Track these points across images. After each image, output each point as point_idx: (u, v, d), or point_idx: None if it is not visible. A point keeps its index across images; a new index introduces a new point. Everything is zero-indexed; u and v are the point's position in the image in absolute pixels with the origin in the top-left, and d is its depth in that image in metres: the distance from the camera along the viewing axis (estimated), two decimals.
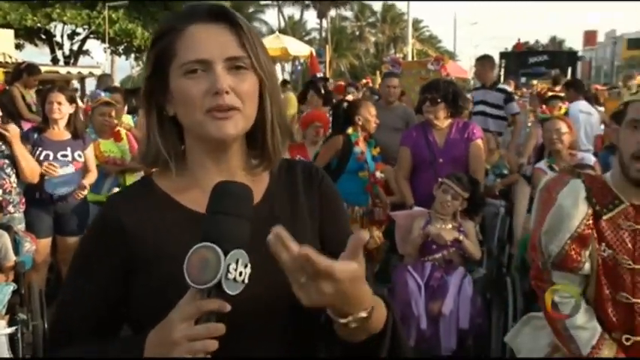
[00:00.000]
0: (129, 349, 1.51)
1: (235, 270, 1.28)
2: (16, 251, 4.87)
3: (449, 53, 59.46)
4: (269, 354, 1.54)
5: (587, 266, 2.32)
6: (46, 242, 5.68)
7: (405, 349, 1.53)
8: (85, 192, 5.84)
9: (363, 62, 53.79)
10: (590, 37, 77.62)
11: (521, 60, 28.99)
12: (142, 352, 1.46)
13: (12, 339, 4.46)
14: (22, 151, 5.25)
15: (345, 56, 54.21)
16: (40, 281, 5.47)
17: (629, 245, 2.21)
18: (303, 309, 1.32)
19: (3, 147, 5.21)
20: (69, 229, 5.77)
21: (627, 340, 2.24)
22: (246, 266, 1.30)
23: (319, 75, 15.57)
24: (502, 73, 24.06)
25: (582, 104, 8.50)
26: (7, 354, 4.36)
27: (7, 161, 5.20)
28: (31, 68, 9.33)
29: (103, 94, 7.42)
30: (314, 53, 20.65)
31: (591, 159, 5.38)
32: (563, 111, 5.84)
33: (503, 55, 32.47)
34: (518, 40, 33.20)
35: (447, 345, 4.55)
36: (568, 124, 5.42)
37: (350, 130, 6.08)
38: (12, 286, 4.68)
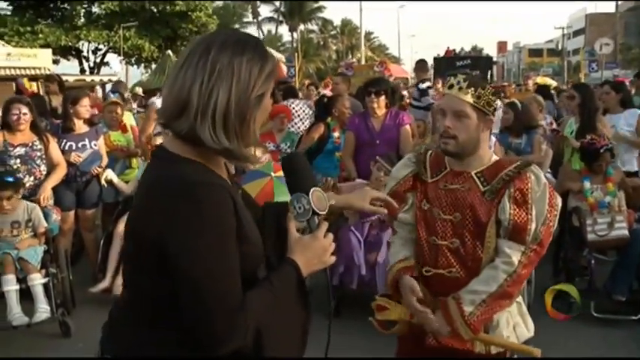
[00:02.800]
0: (287, 277, 1.51)
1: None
2: (46, 220, 4.88)
3: (395, 58, 59.48)
4: None
5: (408, 216, 2.33)
6: (71, 214, 5.62)
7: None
8: (103, 166, 5.75)
9: (327, 66, 53.48)
10: (502, 46, 78.41)
11: (449, 63, 28.89)
12: (298, 271, 1.52)
13: (46, 287, 4.56)
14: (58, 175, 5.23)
15: (312, 61, 53.84)
16: (67, 244, 5.46)
17: (443, 201, 2.22)
18: None
19: (37, 142, 5.14)
20: (87, 203, 5.72)
21: (427, 271, 2.25)
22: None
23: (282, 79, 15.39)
24: (432, 74, 24.13)
25: None
26: (43, 298, 4.45)
27: (38, 153, 5.14)
28: (49, 78, 9.11)
29: (112, 95, 7.34)
30: (283, 60, 20.54)
31: (492, 139, 5.35)
32: None
33: (435, 59, 32.41)
34: (448, 47, 33.08)
35: (382, 286, 4.57)
36: None
37: (329, 119, 6.10)
38: (44, 247, 4.75)
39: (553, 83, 15.34)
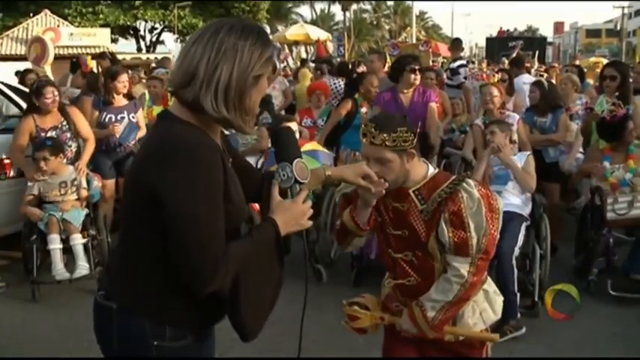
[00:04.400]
0: (267, 232, 1.68)
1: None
2: (88, 187, 5.19)
3: (448, 38, 58.43)
4: None
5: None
6: (111, 182, 5.93)
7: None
8: (139, 136, 5.99)
9: (379, 45, 52.98)
10: (558, 26, 75.86)
11: (501, 44, 28.26)
12: (277, 229, 1.68)
13: (86, 247, 4.92)
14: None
15: (365, 40, 53.48)
16: (108, 210, 5.77)
17: (391, 217, 2.31)
18: None
19: (64, 122, 5.36)
20: (125, 171, 5.99)
21: (389, 283, 2.45)
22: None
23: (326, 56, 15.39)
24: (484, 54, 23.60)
25: (525, 77, 8.30)
26: (83, 256, 4.83)
27: (68, 134, 5.38)
28: (101, 55, 9.46)
29: (158, 71, 7.60)
30: (330, 39, 20.52)
31: (515, 117, 5.35)
32: (495, 79, 5.83)
33: (488, 40, 31.68)
34: (500, 28, 32.28)
35: None
36: (499, 89, 5.40)
37: (357, 95, 6.25)
38: (85, 211, 5.09)
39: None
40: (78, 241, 4.86)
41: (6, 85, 6.04)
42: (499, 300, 2.44)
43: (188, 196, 1.51)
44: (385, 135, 2.18)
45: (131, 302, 1.66)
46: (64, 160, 5.18)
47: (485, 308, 2.38)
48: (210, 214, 1.54)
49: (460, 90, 8.21)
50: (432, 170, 2.34)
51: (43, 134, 5.24)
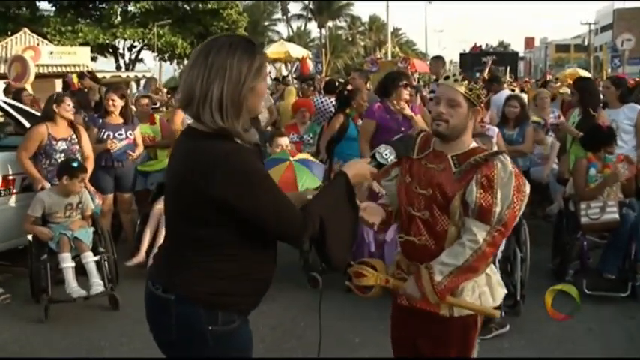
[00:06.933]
0: (339, 183, 2.06)
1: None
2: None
3: (422, 54, 59.23)
4: None
5: (390, 184, 2.65)
6: (110, 197, 6.10)
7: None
8: (137, 152, 6.17)
9: (355, 62, 53.56)
10: (529, 42, 77.22)
11: (475, 59, 28.76)
12: (348, 182, 2.06)
13: (97, 264, 4.97)
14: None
15: (340, 57, 53.97)
16: (107, 224, 5.87)
17: (422, 177, 2.49)
18: None
19: (74, 136, 5.53)
20: (125, 187, 6.22)
21: (401, 237, 2.57)
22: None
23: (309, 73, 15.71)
24: (459, 69, 24.02)
25: (506, 93, 8.69)
26: (97, 273, 4.89)
27: (76, 147, 5.55)
28: (81, 75, 9.70)
29: (143, 91, 7.78)
30: (310, 56, 20.85)
31: (495, 130, 5.67)
32: None
33: (461, 55, 32.17)
34: (475, 43, 32.87)
35: (389, 262, 4.84)
36: None
37: (348, 110, 6.53)
38: (92, 229, 5.17)
39: (587, 74, 15.29)
40: (90, 258, 4.91)
41: (8, 103, 6.17)
42: (500, 290, 2.54)
43: (253, 194, 1.81)
44: (466, 82, 2.42)
45: (188, 292, 1.89)
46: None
47: (484, 291, 2.49)
48: (274, 196, 1.87)
49: None
50: (474, 144, 2.51)
51: (54, 143, 5.40)
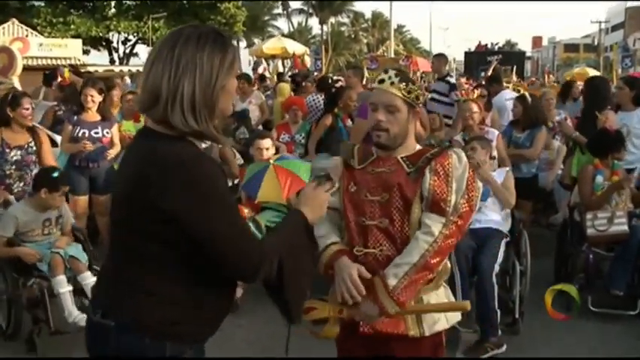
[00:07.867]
0: (296, 223, 1.88)
1: None
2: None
3: (426, 52, 59.16)
4: None
5: (334, 199, 2.36)
6: (84, 199, 5.87)
7: None
8: (113, 153, 5.89)
9: (357, 59, 53.52)
10: (537, 41, 77.49)
11: (480, 58, 28.69)
12: (305, 219, 1.88)
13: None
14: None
15: (342, 54, 53.98)
16: (82, 227, 5.42)
17: (370, 183, 2.33)
18: None
19: (31, 143, 4.98)
20: (100, 188, 5.90)
21: (359, 251, 2.33)
22: None
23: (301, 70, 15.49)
24: (463, 68, 23.91)
25: (506, 93, 8.42)
26: None
27: (32, 157, 4.96)
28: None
29: (131, 86, 7.58)
30: (308, 53, 20.69)
31: (495, 133, 5.46)
32: (475, 95, 5.93)
33: (466, 54, 32.11)
34: (479, 42, 32.82)
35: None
36: (478, 105, 5.49)
37: (336, 110, 6.38)
38: (80, 245, 4.51)
39: (596, 73, 15.10)
40: (90, 280, 4.23)
41: None
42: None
43: (207, 211, 1.60)
44: (404, 84, 2.29)
45: (131, 319, 1.65)
46: (18, 189, 4.81)
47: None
48: (233, 219, 1.67)
49: (451, 107, 8.18)
50: (419, 146, 2.44)
51: (7, 151, 4.88)
